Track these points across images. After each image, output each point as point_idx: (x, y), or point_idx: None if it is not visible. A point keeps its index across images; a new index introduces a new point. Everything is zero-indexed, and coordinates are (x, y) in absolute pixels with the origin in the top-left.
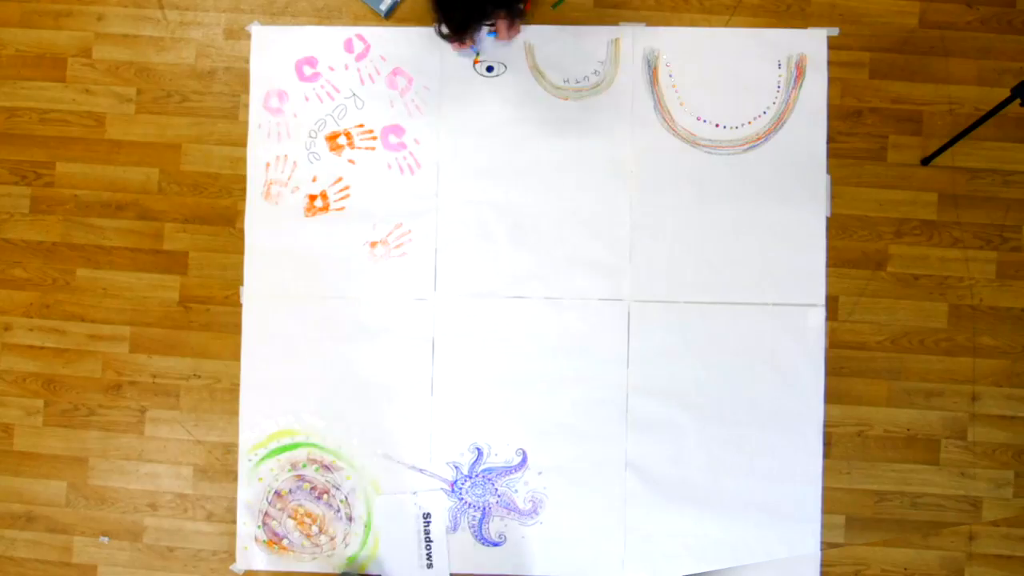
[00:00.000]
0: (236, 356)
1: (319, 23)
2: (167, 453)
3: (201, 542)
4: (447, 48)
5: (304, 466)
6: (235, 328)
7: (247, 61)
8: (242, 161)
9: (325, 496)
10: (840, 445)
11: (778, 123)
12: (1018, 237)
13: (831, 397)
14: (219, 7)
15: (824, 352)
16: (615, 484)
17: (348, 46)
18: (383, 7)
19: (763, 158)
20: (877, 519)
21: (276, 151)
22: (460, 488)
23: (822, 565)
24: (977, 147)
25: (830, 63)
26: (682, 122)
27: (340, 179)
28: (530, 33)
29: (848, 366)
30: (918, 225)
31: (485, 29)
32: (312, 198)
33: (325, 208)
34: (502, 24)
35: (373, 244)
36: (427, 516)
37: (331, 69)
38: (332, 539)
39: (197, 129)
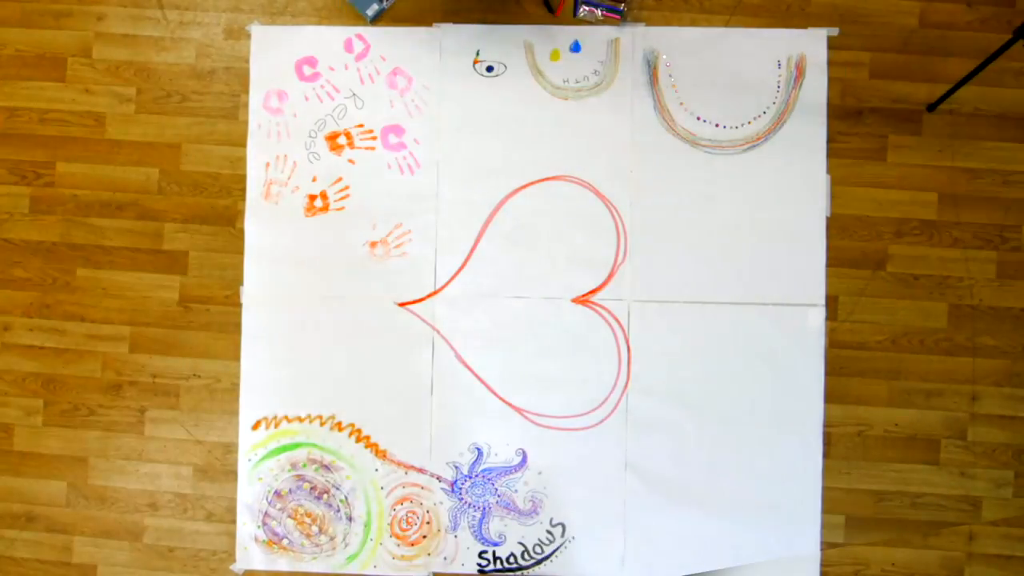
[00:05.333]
0: (236, 356)
1: (319, 23)
2: (167, 453)
3: (201, 542)
4: (447, 48)
5: (304, 466)
6: (235, 328)
7: (247, 61)
8: (242, 161)
9: (325, 496)
10: (840, 445)
11: (778, 123)
12: (1018, 237)
13: (831, 397)
14: (219, 7)
15: (824, 352)
16: (615, 484)
17: (348, 46)
18: (370, 12)
19: (763, 158)
20: (877, 519)
21: (276, 151)
22: (460, 488)
23: (822, 565)
24: (977, 147)
25: (830, 63)
26: (682, 122)
27: (340, 179)
28: (530, 33)
29: (848, 366)
30: (918, 225)
31: None
32: (312, 198)
33: (325, 208)
34: None
35: (373, 244)
36: None
37: (331, 69)
38: (332, 539)
39: (197, 129)
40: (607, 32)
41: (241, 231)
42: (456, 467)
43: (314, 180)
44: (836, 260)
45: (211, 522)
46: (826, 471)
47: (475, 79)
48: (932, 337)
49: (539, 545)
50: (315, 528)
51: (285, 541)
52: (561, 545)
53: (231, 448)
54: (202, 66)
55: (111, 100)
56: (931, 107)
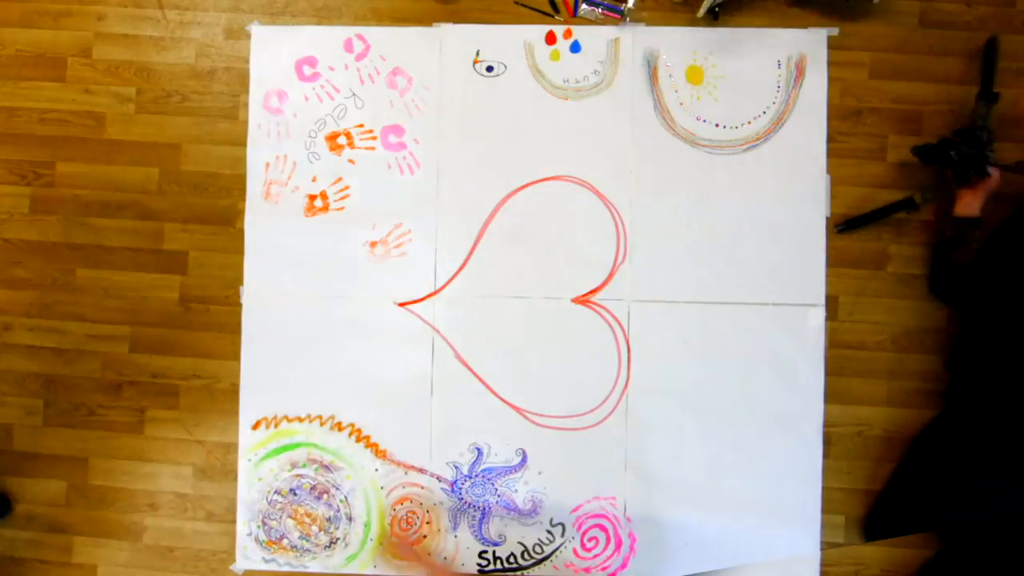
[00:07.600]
0: (236, 356)
1: (319, 23)
2: (167, 453)
3: (201, 542)
4: (447, 48)
5: (304, 466)
6: (235, 328)
7: (247, 61)
8: (242, 161)
9: (325, 496)
10: (840, 445)
11: (778, 123)
12: None
13: (831, 397)
14: (219, 7)
15: (824, 352)
16: (615, 484)
17: (348, 46)
18: None
19: (763, 158)
20: None
21: (276, 151)
22: (460, 488)
23: (822, 565)
24: None
25: (830, 63)
26: (682, 122)
27: (340, 179)
28: (530, 33)
29: (848, 366)
30: (918, 225)
31: None
32: (312, 198)
33: (325, 208)
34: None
35: (373, 244)
36: None
37: (331, 69)
38: (332, 539)
39: (197, 129)
40: (607, 32)
41: (241, 231)
42: (456, 467)
43: (314, 180)
44: (836, 260)
45: (211, 522)
46: (826, 471)
47: (475, 79)
48: (932, 337)
49: (539, 545)
50: (315, 528)
51: (285, 541)
52: (561, 545)
53: (231, 448)
54: (202, 66)
55: (111, 100)
56: (841, 228)
